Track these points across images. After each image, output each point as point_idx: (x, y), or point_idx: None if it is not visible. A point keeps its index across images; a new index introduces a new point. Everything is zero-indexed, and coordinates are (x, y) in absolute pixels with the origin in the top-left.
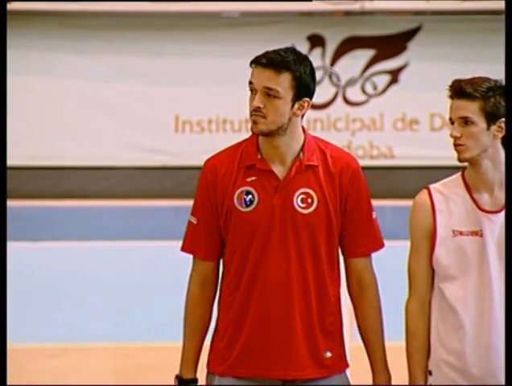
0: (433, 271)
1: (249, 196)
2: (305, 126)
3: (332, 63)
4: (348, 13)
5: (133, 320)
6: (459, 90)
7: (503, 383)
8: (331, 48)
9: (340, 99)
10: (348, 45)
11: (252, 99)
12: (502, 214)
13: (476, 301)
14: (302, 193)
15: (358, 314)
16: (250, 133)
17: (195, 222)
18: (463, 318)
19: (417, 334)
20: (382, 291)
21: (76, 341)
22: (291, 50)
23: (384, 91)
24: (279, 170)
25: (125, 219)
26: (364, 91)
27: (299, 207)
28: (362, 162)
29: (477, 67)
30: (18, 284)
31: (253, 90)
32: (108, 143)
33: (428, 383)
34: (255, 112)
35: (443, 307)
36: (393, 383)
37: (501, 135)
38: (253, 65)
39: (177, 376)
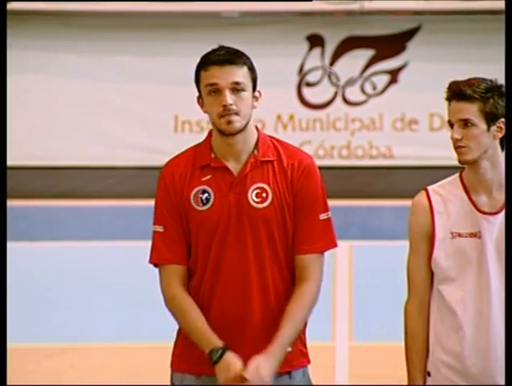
0: (432, 273)
1: (206, 195)
2: (304, 126)
3: (332, 63)
4: (347, 13)
5: (132, 320)
6: (458, 92)
7: (502, 383)
8: (330, 48)
9: (339, 99)
10: (348, 45)
11: (220, 100)
12: (501, 215)
13: (474, 302)
14: (256, 188)
15: (288, 302)
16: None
17: (161, 230)
18: (462, 319)
19: (416, 335)
20: (382, 291)
21: (76, 341)
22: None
23: (383, 91)
24: (234, 167)
25: (124, 219)
26: (363, 91)
27: (254, 201)
28: (361, 162)
29: (477, 67)
30: (17, 284)
31: (216, 90)
32: (107, 143)
33: (427, 384)
34: (229, 110)
35: (442, 309)
36: (393, 383)
37: (500, 135)
38: (210, 66)
39: (211, 351)
